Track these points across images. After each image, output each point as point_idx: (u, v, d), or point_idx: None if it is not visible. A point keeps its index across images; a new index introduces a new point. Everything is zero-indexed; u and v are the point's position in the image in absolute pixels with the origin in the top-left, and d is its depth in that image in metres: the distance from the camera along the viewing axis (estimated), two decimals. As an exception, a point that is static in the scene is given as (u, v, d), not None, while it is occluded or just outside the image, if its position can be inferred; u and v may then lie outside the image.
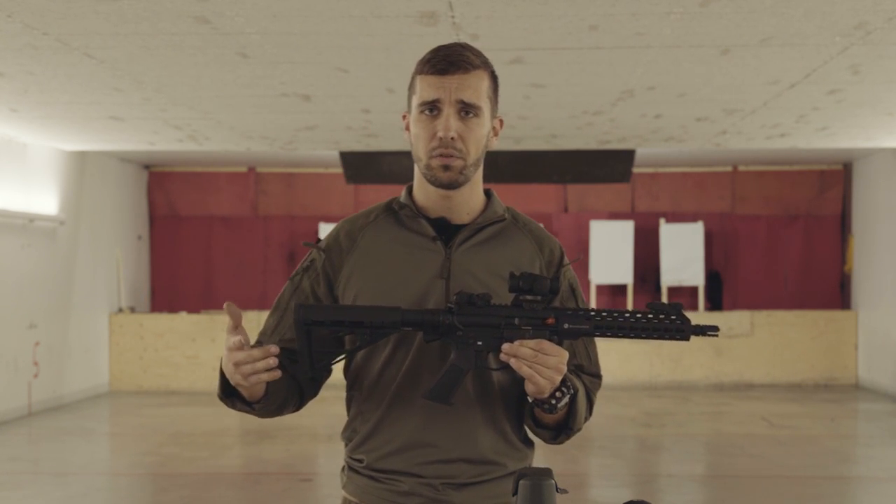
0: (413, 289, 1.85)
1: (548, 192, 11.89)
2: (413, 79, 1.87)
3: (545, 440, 1.94)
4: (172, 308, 11.82)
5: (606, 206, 12.00)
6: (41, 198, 9.42)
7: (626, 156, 9.99)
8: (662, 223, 11.55)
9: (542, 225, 2.02)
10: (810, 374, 11.27)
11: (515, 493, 1.70)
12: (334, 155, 10.44)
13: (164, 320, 10.96)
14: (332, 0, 4.43)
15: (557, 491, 1.72)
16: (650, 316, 1.77)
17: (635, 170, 11.35)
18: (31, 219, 9.10)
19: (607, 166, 10.11)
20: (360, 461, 1.90)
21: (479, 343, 1.77)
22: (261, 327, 1.97)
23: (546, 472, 1.72)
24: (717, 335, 1.76)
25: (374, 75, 5.97)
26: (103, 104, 7.06)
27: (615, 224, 11.56)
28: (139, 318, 10.99)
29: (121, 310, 11.08)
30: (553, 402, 1.79)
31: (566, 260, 1.98)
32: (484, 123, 1.85)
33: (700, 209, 11.96)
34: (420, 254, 1.88)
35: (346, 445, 1.95)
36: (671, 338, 1.77)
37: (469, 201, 1.91)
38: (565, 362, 1.76)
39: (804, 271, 11.90)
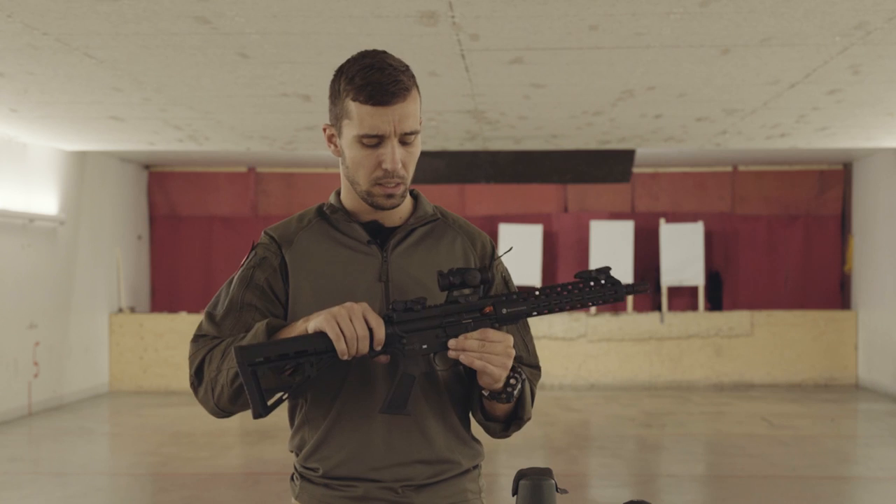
0: (354, 294, 1.85)
1: (548, 192, 11.89)
2: (342, 99, 1.81)
3: (494, 433, 1.95)
4: (172, 308, 11.82)
5: (606, 206, 12.00)
6: (41, 198, 9.42)
7: (626, 156, 9.99)
8: (662, 223, 11.55)
9: (467, 220, 2.05)
10: (810, 374, 11.27)
11: (515, 492, 1.70)
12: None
13: (164, 320, 10.96)
14: (332, 0, 4.44)
15: (557, 491, 1.72)
16: (581, 286, 1.78)
17: (635, 170, 11.36)
18: (31, 219, 9.10)
19: (607, 166, 10.10)
20: (314, 470, 1.90)
21: (425, 346, 1.77)
22: (210, 322, 1.89)
23: (546, 472, 1.72)
24: (646, 290, 1.78)
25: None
26: (103, 104, 7.06)
27: (615, 224, 11.56)
28: (139, 318, 10.99)
29: (121, 310, 11.08)
30: (509, 389, 1.81)
31: (497, 253, 2.00)
32: (419, 142, 1.86)
33: (700, 209, 11.96)
34: (357, 258, 1.89)
35: (297, 455, 1.93)
36: (606, 301, 1.78)
37: (399, 205, 1.91)
38: (512, 345, 1.77)
39: (804, 271, 11.90)
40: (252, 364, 1.71)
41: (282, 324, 1.81)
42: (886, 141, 9.26)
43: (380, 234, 1.91)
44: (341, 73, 1.84)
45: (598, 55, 5.54)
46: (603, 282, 1.78)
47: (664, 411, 9.50)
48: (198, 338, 1.89)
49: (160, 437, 8.08)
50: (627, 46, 5.32)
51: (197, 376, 1.85)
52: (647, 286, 1.78)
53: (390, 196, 1.84)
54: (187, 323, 10.91)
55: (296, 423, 1.93)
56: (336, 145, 1.89)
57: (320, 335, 1.71)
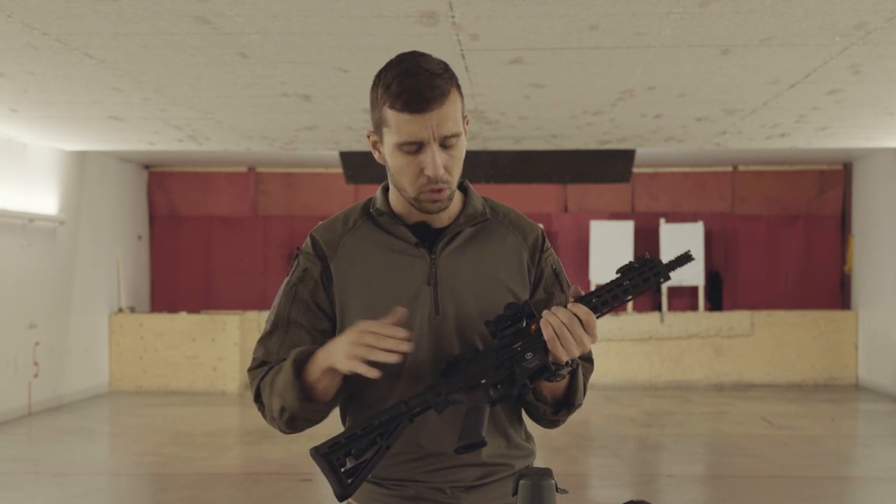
0: (402, 298, 1.83)
1: (548, 192, 11.89)
2: (380, 107, 1.79)
3: (544, 417, 1.91)
4: (172, 308, 11.82)
5: (606, 206, 12.00)
6: (41, 198, 9.42)
7: (626, 156, 9.99)
8: (662, 223, 11.55)
9: (518, 212, 2.00)
10: (810, 374, 11.27)
11: (515, 492, 1.70)
12: (334, 155, 10.44)
13: (164, 320, 10.95)
14: (332, 0, 4.43)
15: (557, 491, 1.72)
16: (628, 281, 1.77)
17: (635, 170, 11.35)
18: (31, 219, 9.10)
19: (607, 166, 10.11)
20: None
21: (483, 381, 1.76)
22: (260, 345, 1.90)
23: (546, 472, 1.72)
24: (693, 258, 1.76)
25: (374, 75, 5.96)
26: (103, 104, 7.06)
27: (615, 224, 11.56)
28: (139, 318, 10.99)
29: (121, 310, 11.08)
30: (561, 371, 1.78)
31: (548, 244, 1.97)
32: (463, 143, 1.82)
33: (700, 209, 11.97)
34: (404, 261, 1.86)
35: None
36: (654, 284, 1.77)
37: (447, 208, 1.88)
38: (591, 341, 1.75)
39: (804, 271, 11.90)
40: (325, 454, 1.75)
41: (308, 353, 1.79)
42: (886, 141, 9.26)
43: (428, 236, 1.87)
44: (379, 80, 1.81)
45: (598, 55, 5.54)
46: (649, 268, 1.77)
47: (664, 411, 9.50)
48: (251, 369, 1.89)
49: (160, 437, 8.08)
50: (627, 46, 5.32)
51: (258, 403, 1.88)
52: (691, 256, 1.75)
53: (436, 202, 1.81)
54: (187, 323, 10.91)
55: (347, 424, 1.93)
56: (380, 152, 1.85)
57: (385, 410, 1.76)
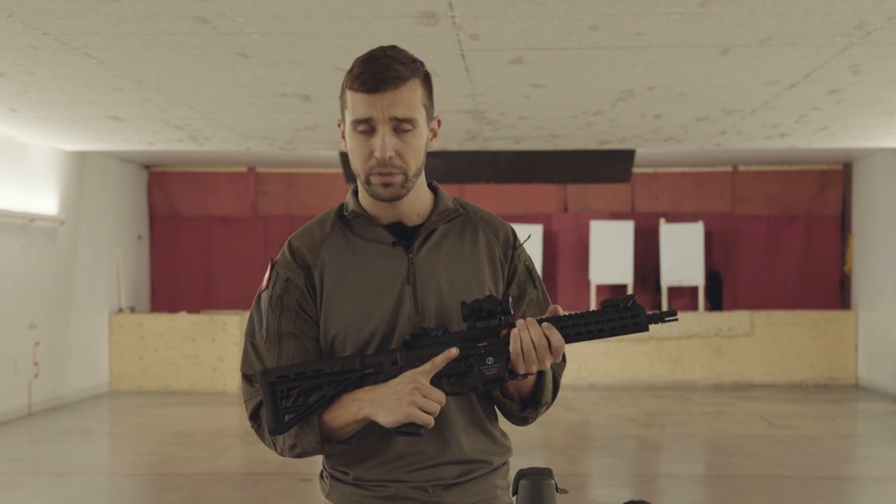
0: (386, 298, 1.85)
1: (548, 192, 11.89)
2: (343, 89, 1.85)
3: (511, 415, 1.93)
4: (172, 308, 11.82)
5: (606, 206, 12.00)
6: (41, 198, 9.42)
7: (626, 156, 9.99)
8: (662, 223, 11.55)
9: (489, 211, 2.02)
10: (810, 374, 11.27)
11: (515, 492, 1.70)
12: (334, 155, 10.45)
13: (164, 320, 10.95)
14: (332, 0, 4.43)
15: (557, 491, 1.72)
16: (606, 316, 1.76)
17: (635, 170, 11.35)
18: (31, 219, 9.10)
19: (607, 166, 10.10)
20: (345, 473, 1.90)
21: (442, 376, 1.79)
22: (249, 361, 1.90)
23: (546, 472, 1.72)
24: (676, 319, 1.75)
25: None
26: (103, 104, 7.06)
27: (615, 224, 11.56)
28: (139, 318, 10.99)
29: (121, 310, 11.08)
30: (510, 376, 1.79)
31: (519, 242, 1.99)
32: (421, 134, 1.84)
33: (700, 209, 11.96)
34: (384, 262, 1.88)
35: (327, 456, 1.93)
36: (629, 332, 1.76)
37: (416, 203, 1.90)
38: (553, 361, 1.77)
39: (804, 271, 11.90)
40: (271, 382, 1.76)
41: (327, 400, 1.81)
42: (886, 141, 9.25)
43: (404, 235, 1.90)
44: (349, 68, 1.86)
45: (598, 55, 5.54)
46: (628, 310, 1.75)
47: (664, 411, 9.50)
48: (247, 377, 1.89)
49: (160, 437, 8.08)
50: (627, 46, 5.32)
51: (254, 420, 1.88)
52: (675, 315, 1.76)
53: (387, 185, 1.83)
54: (187, 323, 10.91)
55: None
56: (345, 139, 1.89)
57: (339, 358, 1.79)
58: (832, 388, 11.08)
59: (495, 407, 1.95)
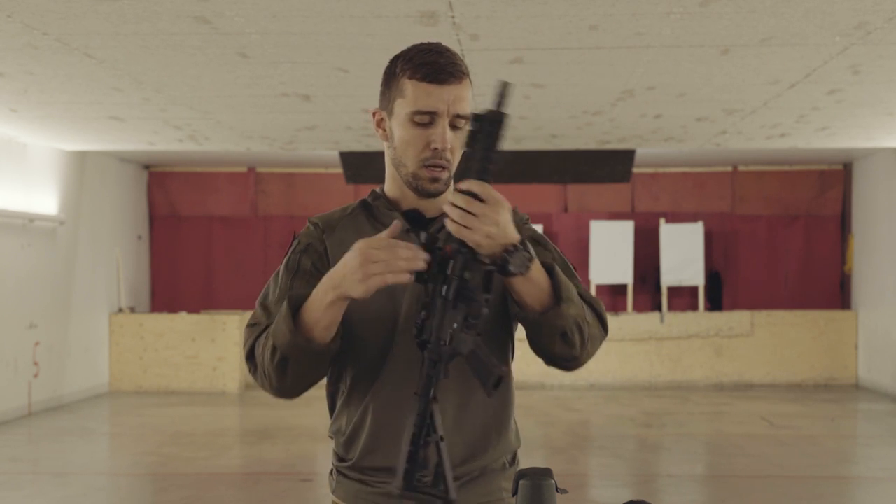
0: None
1: (548, 192, 11.89)
2: (398, 79, 1.82)
3: (540, 339, 1.78)
4: (172, 308, 11.82)
5: (606, 206, 12.00)
6: (41, 198, 9.42)
7: (626, 156, 9.99)
8: (662, 223, 11.55)
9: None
10: (810, 374, 11.27)
11: (515, 492, 1.70)
12: (334, 155, 10.44)
13: (164, 320, 10.95)
14: (332, 0, 4.44)
15: (557, 491, 1.72)
16: (481, 142, 1.67)
17: (635, 170, 11.35)
18: (31, 219, 9.10)
19: (607, 166, 10.11)
20: (350, 469, 1.90)
21: (455, 325, 1.66)
22: (262, 309, 1.86)
23: (546, 472, 1.72)
24: (509, 84, 1.68)
25: (374, 75, 5.96)
26: (103, 104, 7.06)
27: (615, 224, 11.56)
28: (139, 318, 10.99)
29: (121, 310, 11.08)
30: (504, 258, 1.66)
31: (526, 217, 1.94)
32: (465, 133, 1.81)
33: (700, 209, 11.96)
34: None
35: (335, 444, 1.94)
36: (501, 129, 1.67)
37: (441, 198, 1.85)
38: (500, 212, 1.64)
39: (804, 271, 11.90)
40: (411, 487, 1.66)
41: (303, 296, 1.76)
42: (886, 141, 9.26)
43: (420, 224, 1.88)
44: (398, 57, 1.85)
45: (598, 55, 5.54)
46: (482, 123, 1.67)
47: (664, 411, 9.50)
48: (250, 326, 1.88)
49: (160, 437, 8.08)
50: (627, 46, 5.32)
51: (249, 362, 1.85)
52: (507, 84, 1.68)
53: (435, 180, 1.82)
54: (187, 323, 10.91)
55: (336, 407, 1.93)
56: (385, 129, 1.88)
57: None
58: (832, 388, 11.08)
59: (535, 352, 1.84)
